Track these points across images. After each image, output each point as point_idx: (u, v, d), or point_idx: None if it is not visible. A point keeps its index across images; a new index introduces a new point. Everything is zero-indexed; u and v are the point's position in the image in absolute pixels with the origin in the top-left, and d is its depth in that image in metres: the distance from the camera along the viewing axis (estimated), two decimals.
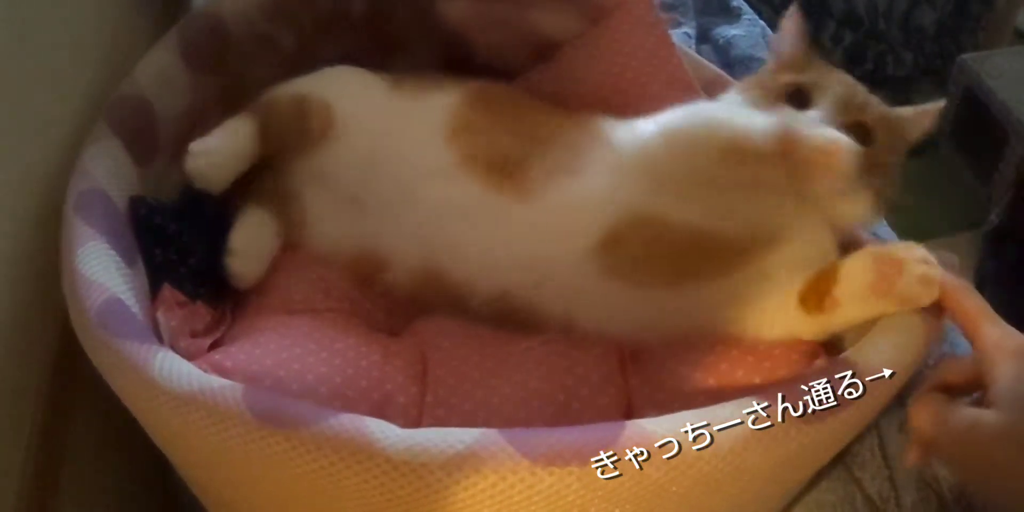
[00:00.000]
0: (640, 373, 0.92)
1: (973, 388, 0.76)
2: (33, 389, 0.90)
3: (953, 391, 0.77)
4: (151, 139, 1.02)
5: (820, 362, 0.85)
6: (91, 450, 0.98)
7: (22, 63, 0.90)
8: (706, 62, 1.19)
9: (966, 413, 0.72)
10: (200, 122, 1.04)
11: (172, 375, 0.75)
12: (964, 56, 2.20)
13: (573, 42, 1.13)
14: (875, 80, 2.42)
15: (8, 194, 0.89)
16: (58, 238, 0.88)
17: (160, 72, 1.04)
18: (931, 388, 0.77)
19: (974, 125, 2.17)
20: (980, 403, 0.73)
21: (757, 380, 0.85)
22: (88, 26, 1.04)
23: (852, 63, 2.45)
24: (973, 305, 0.77)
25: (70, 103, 1.00)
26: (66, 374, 0.92)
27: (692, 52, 1.20)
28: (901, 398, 1.01)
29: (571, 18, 1.11)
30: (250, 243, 1.01)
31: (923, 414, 0.75)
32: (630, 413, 0.89)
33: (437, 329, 0.96)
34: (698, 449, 0.70)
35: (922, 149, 2.04)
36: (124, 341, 0.77)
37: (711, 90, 1.13)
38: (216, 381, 0.73)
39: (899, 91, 2.56)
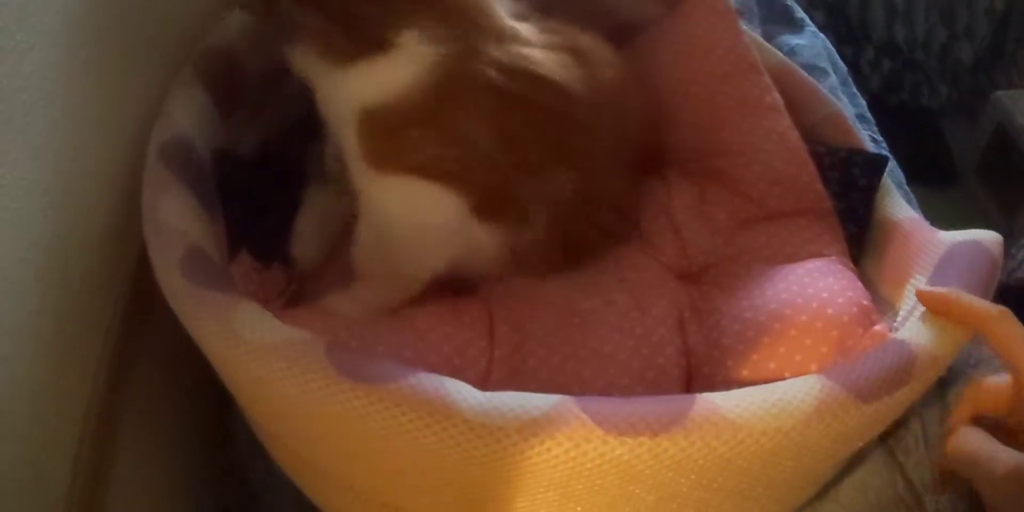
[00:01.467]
0: (700, 333, 0.92)
1: (1009, 415, 0.74)
2: (106, 323, 0.90)
3: (986, 419, 0.76)
4: (236, 89, 1.01)
5: (878, 329, 0.85)
6: (154, 385, 0.99)
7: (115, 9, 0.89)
8: (772, 48, 1.17)
9: (1010, 456, 0.71)
10: (285, 76, 1.01)
11: (255, 326, 0.74)
12: (998, 92, 2.18)
13: (648, 27, 1.10)
14: (909, 109, 2.43)
15: (94, 131, 0.88)
16: (139, 180, 0.87)
17: (246, 27, 1.02)
18: (966, 417, 0.76)
19: (1003, 161, 2.14)
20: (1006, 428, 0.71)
21: (824, 349, 0.85)
22: None
23: (888, 91, 2.41)
24: (1013, 332, 0.75)
25: (158, 47, 0.99)
26: (139, 310, 0.92)
27: (759, 37, 1.18)
28: (942, 381, 1.03)
29: (647, 4, 1.10)
30: (311, 227, 1.01)
31: (961, 452, 0.74)
32: (690, 373, 0.90)
33: (502, 287, 0.95)
34: (763, 426, 0.70)
35: (949, 183, 2.05)
36: (207, 291, 0.77)
37: (775, 74, 1.13)
38: (298, 334, 0.73)
39: (932, 122, 2.53)
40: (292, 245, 0.99)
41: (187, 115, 0.93)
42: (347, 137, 0.88)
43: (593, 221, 0.98)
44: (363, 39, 0.83)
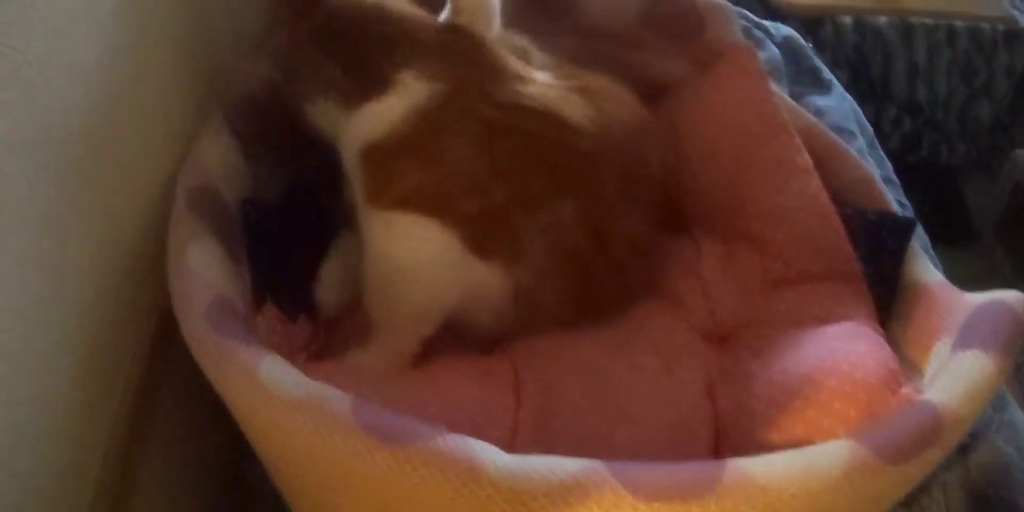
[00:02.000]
0: (729, 397, 0.90)
1: None
2: (128, 364, 0.88)
3: None
4: (263, 138, 1.01)
5: (905, 391, 0.84)
6: (173, 426, 0.96)
7: (140, 54, 0.89)
8: (801, 109, 1.16)
9: None
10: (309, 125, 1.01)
11: (280, 379, 0.73)
12: (1017, 151, 2.17)
13: (679, 85, 1.10)
14: (928, 168, 2.42)
15: (124, 169, 0.87)
16: (165, 224, 0.87)
17: (271, 77, 1.01)
18: None
19: (1020, 220, 2.14)
20: None
21: (852, 413, 0.83)
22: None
23: (908, 149, 2.40)
24: None
25: (189, 92, 0.99)
26: (161, 355, 0.90)
27: (788, 98, 1.17)
28: (964, 447, 1.00)
29: (678, 62, 1.10)
30: (336, 274, 1.00)
31: None
32: (718, 437, 0.88)
33: (528, 345, 0.93)
34: (794, 490, 0.69)
35: (967, 241, 2.02)
36: (232, 342, 0.76)
37: (805, 135, 1.11)
38: (325, 389, 0.72)
39: (950, 180, 2.52)
40: (316, 291, 0.98)
41: (215, 163, 0.93)
42: (355, 177, 0.90)
43: (606, 258, 0.95)
44: (369, 81, 0.87)
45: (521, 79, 0.89)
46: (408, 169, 0.86)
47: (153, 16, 0.90)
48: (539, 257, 0.90)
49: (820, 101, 1.48)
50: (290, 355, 0.87)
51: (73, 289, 0.77)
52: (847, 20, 2.11)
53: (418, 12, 0.93)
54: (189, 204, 0.86)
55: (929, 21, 2.14)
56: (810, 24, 2.02)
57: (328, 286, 0.99)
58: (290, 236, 0.96)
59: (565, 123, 0.89)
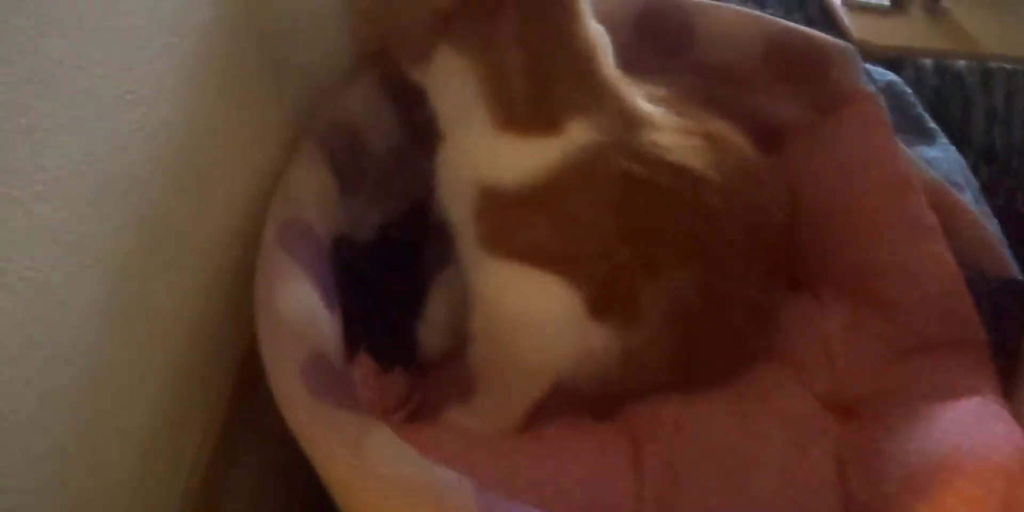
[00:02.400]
0: (861, 477, 0.83)
1: None
2: (211, 410, 0.81)
3: None
4: (359, 169, 0.92)
5: None
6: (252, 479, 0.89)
7: (226, 76, 0.80)
8: (921, 163, 1.06)
9: None
10: (405, 158, 0.92)
11: (391, 457, 0.64)
12: None
13: (799, 131, 1.00)
14: (1004, 215, 2.32)
15: (209, 197, 0.80)
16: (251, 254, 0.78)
17: (369, 104, 0.93)
18: None
19: None
20: None
21: (992, 501, 0.75)
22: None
23: (985, 196, 2.31)
24: None
25: (278, 112, 0.90)
26: (244, 399, 0.83)
27: (908, 151, 1.08)
28: None
29: (799, 107, 1.01)
30: (441, 313, 0.91)
31: None
32: None
33: (647, 411, 0.85)
34: None
35: None
36: (334, 409, 0.67)
37: (927, 192, 1.02)
38: (443, 473, 0.63)
39: None
40: (420, 332, 0.90)
41: (308, 195, 0.84)
42: (463, 216, 0.80)
43: (721, 323, 0.87)
44: (545, 115, 0.76)
45: (653, 125, 0.80)
46: (539, 223, 0.77)
47: (241, 33, 0.81)
48: (654, 321, 0.82)
49: (928, 152, 1.38)
50: (385, 412, 0.80)
51: (158, 327, 0.72)
52: (928, 63, 2.01)
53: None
54: (280, 239, 0.77)
55: (1008, 66, 2.04)
56: (892, 66, 1.93)
57: (433, 326, 0.91)
58: (385, 277, 0.86)
59: (697, 178, 0.81)
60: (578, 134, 0.76)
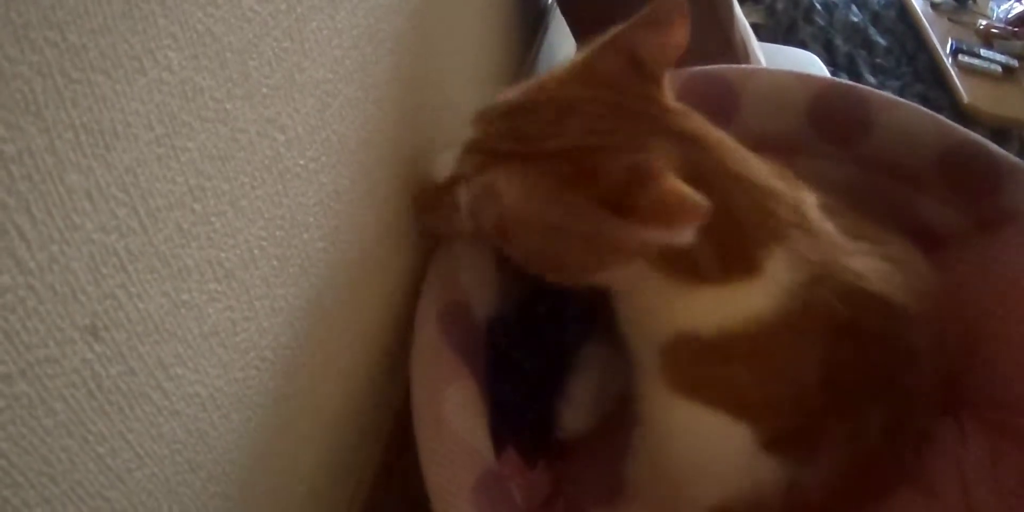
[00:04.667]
0: None
1: None
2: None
3: None
4: None
5: None
6: None
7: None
8: None
9: None
10: None
11: None
12: None
13: (956, 240, 0.85)
14: None
15: (373, 290, 0.65)
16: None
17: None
18: None
19: None
20: None
21: None
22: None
23: None
24: None
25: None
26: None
27: None
28: None
29: (963, 217, 0.86)
30: (586, 392, 0.76)
31: None
32: None
33: None
34: None
35: None
36: None
37: None
38: None
39: None
40: (561, 411, 0.76)
41: (471, 275, 0.68)
42: (649, 351, 0.66)
43: (891, 453, 0.74)
44: (739, 262, 0.61)
45: (843, 249, 0.66)
46: (737, 372, 0.64)
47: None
48: (833, 458, 0.70)
49: None
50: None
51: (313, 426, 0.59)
52: None
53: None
54: (440, 325, 0.62)
55: None
56: (996, 135, 1.77)
57: (576, 405, 0.77)
58: (529, 360, 0.71)
59: (897, 312, 0.69)
60: (780, 270, 0.62)
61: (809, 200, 0.67)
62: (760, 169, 0.64)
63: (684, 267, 0.59)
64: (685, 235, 0.54)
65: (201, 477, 0.46)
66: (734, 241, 0.61)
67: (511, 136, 0.60)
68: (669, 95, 0.64)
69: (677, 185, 0.54)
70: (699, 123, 0.64)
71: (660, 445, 0.69)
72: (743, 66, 1.02)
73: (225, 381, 0.46)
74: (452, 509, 0.55)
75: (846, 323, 0.64)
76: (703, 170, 0.59)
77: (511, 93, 0.64)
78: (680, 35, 0.63)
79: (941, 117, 0.88)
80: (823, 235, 0.66)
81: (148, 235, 0.37)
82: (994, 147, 0.86)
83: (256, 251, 0.47)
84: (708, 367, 0.64)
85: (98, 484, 0.37)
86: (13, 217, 0.29)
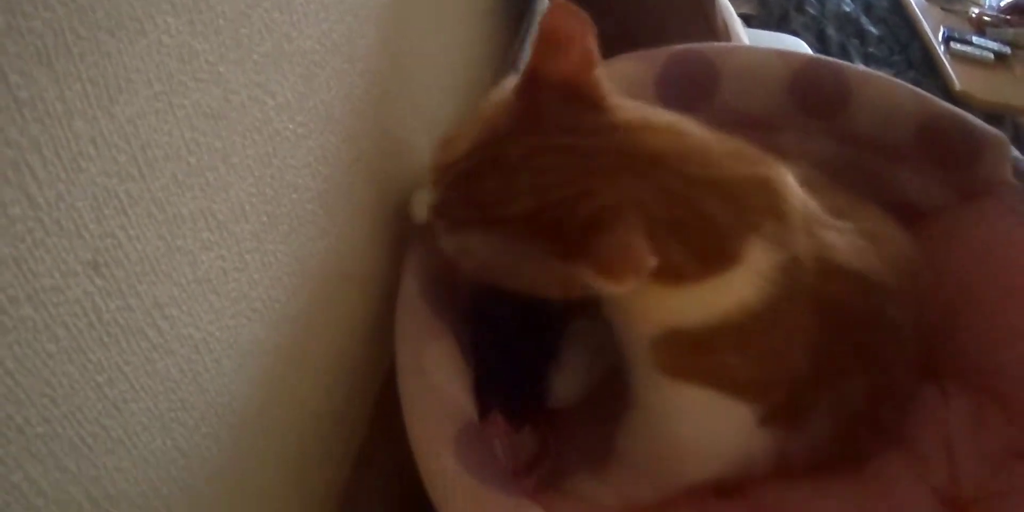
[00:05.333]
0: None
1: None
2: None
3: None
4: None
5: None
6: None
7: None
8: None
9: None
10: None
11: None
12: None
13: (938, 212, 0.89)
14: None
15: (364, 244, 0.70)
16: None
17: None
18: None
19: None
20: None
21: None
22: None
23: None
24: None
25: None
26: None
27: None
28: None
29: (943, 188, 0.90)
30: (577, 362, 0.78)
31: None
32: None
33: (776, 502, 0.77)
34: None
35: None
36: (487, 489, 0.57)
37: None
38: None
39: None
40: (554, 379, 0.80)
41: None
42: (639, 344, 0.68)
43: (873, 418, 0.79)
44: (714, 255, 0.63)
45: (821, 226, 0.69)
46: (728, 356, 0.66)
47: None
48: (819, 426, 0.74)
49: None
50: (515, 475, 0.72)
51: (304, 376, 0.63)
52: None
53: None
54: (423, 290, 0.65)
55: None
56: (990, 120, 1.80)
57: (568, 373, 0.81)
58: (520, 325, 0.74)
59: (876, 287, 0.72)
60: (758, 257, 0.63)
61: (786, 179, 0.68)
62: (727, 164, 0.64)
63: (665, 273, 0.59)
64: (627, 286, 0.55)
65: (194, 417, 0.49)
66: (711, 240, 0.62)
67: (469, 203, 0.61)
68: (612, 97, 0.62)
69: (629, 237, 0.55)
70: (656, 133, 0.62)
71: (660, 428, 0.72)
72: (723, 44, 1.05)
73: (217, 327, 0.50)
74: (434, 458, 0.59)
75: (827, 301, 0.67)
76: (668, 188, 0.60)
77: (456, 142, 0.63)
78: (587, 41, 0.61)
79: (919, 90, 0.91)
80: (799, 214, 0.67)
81: (147, 182, 0.40)
82: (972, 118, 0.89)
83: (247, 206, 0.51)
84: (700, 356, 0.66)
85: (95, 411, 0.40)
86: (25, 156, 0.33)
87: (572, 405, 0.81)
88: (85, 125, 0.36)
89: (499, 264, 0.62)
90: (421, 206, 0.66)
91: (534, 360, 0.78)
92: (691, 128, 0.64)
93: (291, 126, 0.55)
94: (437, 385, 0.61)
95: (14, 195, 0.32)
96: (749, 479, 0.75)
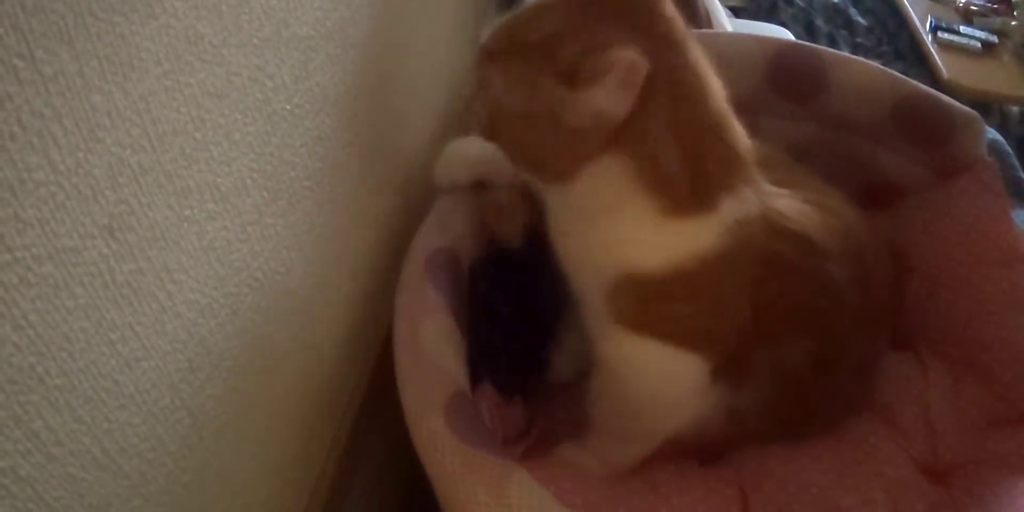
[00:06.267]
0: None
1: None
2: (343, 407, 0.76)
3: None
4: None
5: None
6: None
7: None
8: None
9: None
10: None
11: (532, 504, 0.58)
12: None
13: (914, 191, 0.92)
14: None
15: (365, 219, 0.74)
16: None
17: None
18: None
19: None
20: None
21: None
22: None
23: None
24: None
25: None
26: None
27: (1019, 222, 0.99)
28: None
29: (919, 167, 0.93)
30: (576, 339, 0.82)
31: None
32: None
33: (756, 464, 0.79)
34: None
35: None
36: (477, 452, 0.60)
37: None
38: None
39: None
40: (553, 357, 0.84)
41: (459, 221, 0.78)
42: (595, 293, 0.71)
43: (826, 384, 0.81)
44: (704, 194, 0.66)
45: (770, 193, 0.73)
46: (683, 305, 0.69)
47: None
48: (761, 384, 0.76)
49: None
50: (504, 443, 0.74)
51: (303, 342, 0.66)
52: (1014, 110, 1.92)
53: None
54: (428, 269, 0.70)
55: None
56: (977, 108, 1.84)
57: (566, 351, 0.84)
58: (505, 305, 0.78)
59: (819, 248, 0.74)
60: (728, 210, 0.67)
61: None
62: (728, 121, 0.68)
63: (660, 184, 0.63)
64: (624, 97, 0.59)
65: (200, 378, 0.53)
66: (701, 176, 0.65)
67: (505, 37, 0.65)
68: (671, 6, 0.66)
69: (628, 51, 0.58)
70: (699, 56, 0.66)
71: (617, 382, 0.75)
72: (703, 30, 1.08)
73: (221, 294, 0.53)
74: (425, 424, 0.62)
75: (771, 257, 0.70)
76: (690, 103, 0.64)
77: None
78: None
79: (893, 71, 0.93)
80: (759, 182, 0.72)
81: (157, 154, 0.44)
82: (945, 98, 0.92)
83: (248, 181, 0.54)
84: (653, 305, 0.69)
85: (109, 367, 0.44)
86: (49, 125, 0.36)
87: (563, 381, 0.84)
88: (102, 99, 0.39)
89: (507, 101, 0.65)
90: (445, 167, 0.70)
91: (530, 340, 0.81)
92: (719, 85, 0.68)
93: (288, 107, 0.58)
94: (430, 355, 0.65)
95: (39, 161, 0.36)
96: (707, 439, 0.78)
